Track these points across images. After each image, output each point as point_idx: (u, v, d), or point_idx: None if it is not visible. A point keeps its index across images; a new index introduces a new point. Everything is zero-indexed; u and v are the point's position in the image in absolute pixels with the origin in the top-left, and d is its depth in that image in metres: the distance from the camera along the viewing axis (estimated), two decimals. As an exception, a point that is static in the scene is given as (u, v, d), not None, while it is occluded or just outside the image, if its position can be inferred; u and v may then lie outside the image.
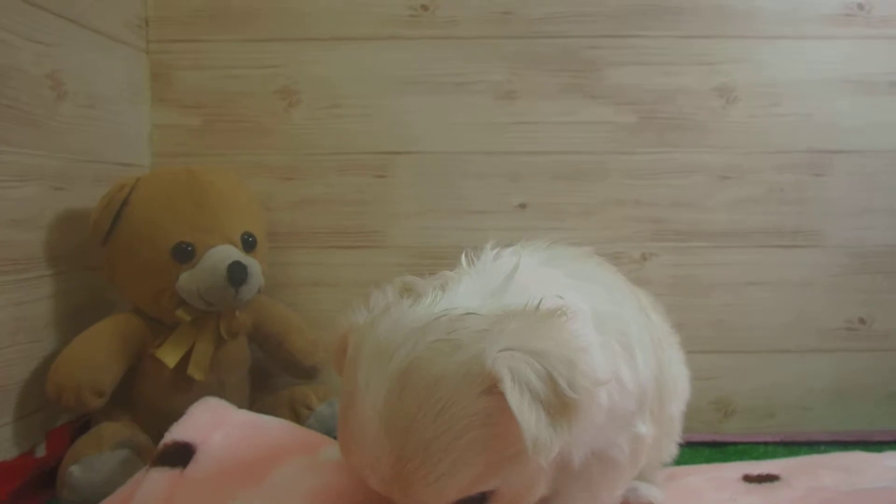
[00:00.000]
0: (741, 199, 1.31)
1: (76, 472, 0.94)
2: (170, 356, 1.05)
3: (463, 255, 0.69)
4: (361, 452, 0.56)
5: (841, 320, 1.32)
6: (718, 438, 1.29)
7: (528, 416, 0.52)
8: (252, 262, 1.08)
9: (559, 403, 0.53)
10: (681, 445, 1.24)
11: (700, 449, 1.24)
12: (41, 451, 1.04)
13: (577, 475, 0.69)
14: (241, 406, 0.99)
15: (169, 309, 1.05)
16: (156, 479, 0.79)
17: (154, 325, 1.08)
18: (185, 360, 1.07)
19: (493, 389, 0.54)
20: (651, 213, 1.31)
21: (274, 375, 1.26)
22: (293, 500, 0.76)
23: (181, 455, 0.82)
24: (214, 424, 0.88)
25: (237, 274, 1.03)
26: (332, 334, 0.66)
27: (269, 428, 0.91)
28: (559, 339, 0.57)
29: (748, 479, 0.99)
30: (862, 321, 1.32)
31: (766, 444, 1.26)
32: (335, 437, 1.08)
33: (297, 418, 1.15)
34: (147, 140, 1.31)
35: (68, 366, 1.00)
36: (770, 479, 0.96)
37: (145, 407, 1.08)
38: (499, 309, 0.59)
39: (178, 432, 0.86)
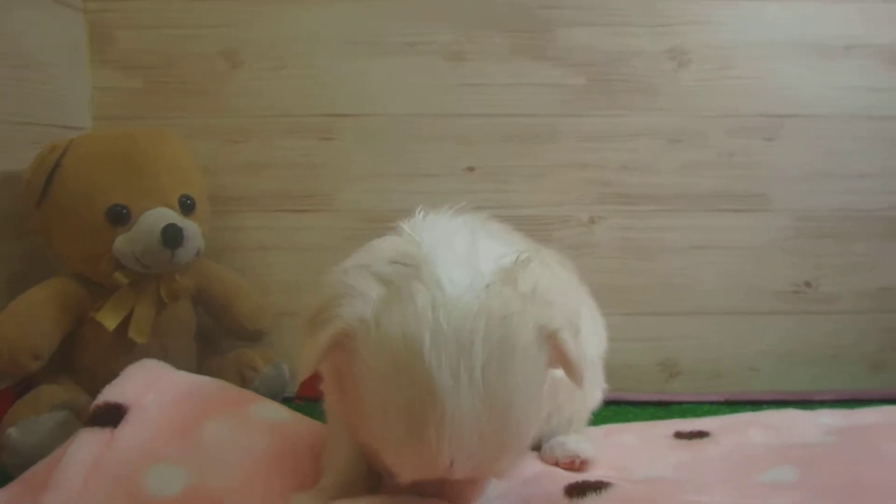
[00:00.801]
0: (691, 162, 1.30)
1: (13, 434, 0.94)
2: (109, 319, 1.05)
3: (405, 224, 0.69)
4: (452, 446, 0.54)
5: (788, 283, 1.33)
6: (664, 398, 1.31)
7: (582, 366, 0.61)
8: (189, 225, 1.07)
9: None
10: (626, 404, 1.28)
11: (645, 408, 1.27)
12: (-17, 417, 1.04)
13: None
14: (189, 369, 0.99)
15: (107, 272, 1.05)
16: (85, 440, 0.79)
17: (94, 288, 1.07)
18: (125, 324, 1.07)
19: (551, 347, 0.60)
20: (600, 176, 1.30)
21: (221, 340, 1.26)
22: (223, 461, 0.77)
23: (112, 416, 0.81)
24: (148, 386, 0.88)
25: (172, 236, 1.02)
26: (318, 335, 0.59)
27: (203, 388, 0.91)
28: (563, 290, 0.67)
29: (679, 435, 1.01)
30: (808, 284, 1.33)
31: (710, 403, 1.28)
32: (279, 399, 1.10)
33: (243, 381, 1.15)
34: (88, 103, 1.28)
35: (3, 329, 0.99)
36: (700, 435, 0.98)
37: (87, 371, 1.07)
38: (495, 274, 0.61)
39: (111, 393, 0.86)
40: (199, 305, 1.20)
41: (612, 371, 1.37)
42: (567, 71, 1.28)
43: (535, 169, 1.30)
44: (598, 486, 0.72)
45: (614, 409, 1.23)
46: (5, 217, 1.08)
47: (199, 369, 1.14)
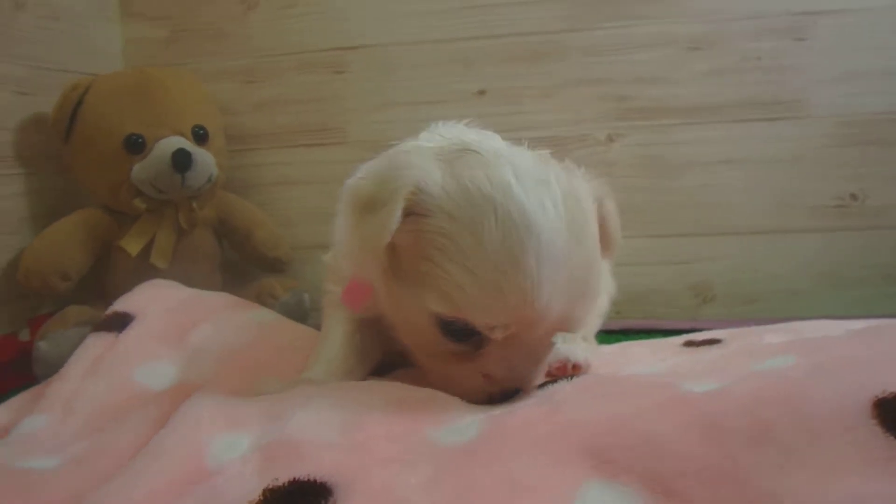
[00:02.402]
0: (713, 70, 1.23)
1: (42, 346, 1.02)
2: (132, 245, 1.12)
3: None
4: (548, 272, 0.56)
5: (830, 197, 1.23)
6: (696, 325, 1.24)
7: (619, 235, 0.68)
8: (200, 152, 1.12)
9: None
10: (655, 332, 1.22)
11: (678, 335, 1.21)
12: (25, 336, 1.13)
13: None
14: None
15: (127, 200, 1.12)
16: (91, 342, 0.85)
17: (119, 217, 1.15)
18: (148, 250, 1.14)
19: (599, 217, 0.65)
20: (615, 90, 1.25)
21: (247, 271, 1.31)
22: (207, 357, 0.80)
23: (118, 322, 0.87)
24: (155, 298, 0.94)
25: (181, 160, 1.08)
26: (389, 202, 0.58)
27: (204, 298, 0.96)
28: None
29: (689, 343, 0.95)
30: (854, 197, 1.23)
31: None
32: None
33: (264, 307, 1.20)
34: (120, 53, 1.36)
35: (36, 253, 1.08)
36: (710, 342, 0.92)
37: (114, 295, 1.13)
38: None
39: (121, 304, 0.92)
40: (222, 236, 1.26)
41: (639, 297, 1.33)
42: (575, -17, 1.24)
43: (546, 88, 1.26)
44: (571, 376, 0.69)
45: (644, 337, 1.18)
46: (41, 155, 1.17)
47: (228, 297, 1.20)
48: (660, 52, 1.23)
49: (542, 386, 0.64)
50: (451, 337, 0.61)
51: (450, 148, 0.62)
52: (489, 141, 0.65)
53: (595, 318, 0.95)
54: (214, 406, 0.60)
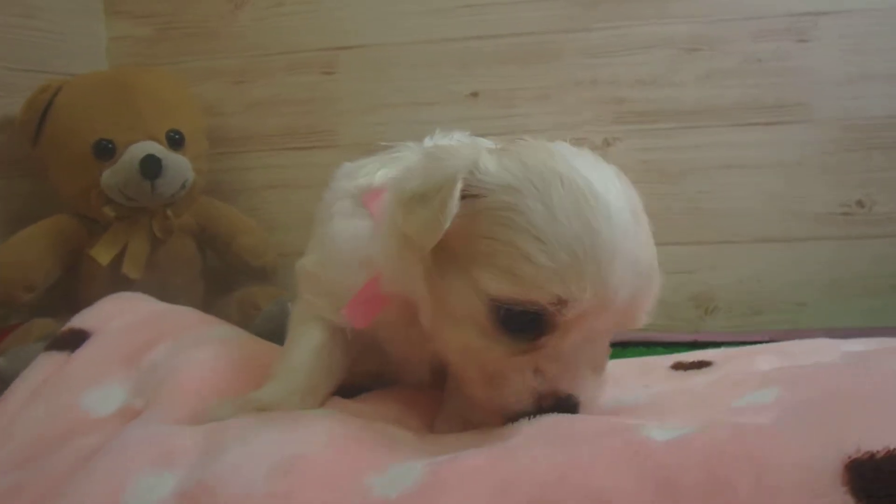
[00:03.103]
0: (713, 72, 1.19)
1: (2, 362, 0.97)
2: (102, 254, 1.08)
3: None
4: (621, 253, 0.53)
5: (836, 204, 1.19)
6: (699, 338, 1.19)
7: None
8: (173, 158, 1.08)
9: None
10: (656, 345, 1.17)
11: (678, 349, 1.15)
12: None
13: None
14: (196, 308, 0.98)
15: (97, 207, 1.08)
16: (39, 364, 0.78)
17: (90, 225, 1.11)
18: (121, 260, 1.09)
19: None
20: (613, 93, 1.22)
21: (231, 280, 1.26)
22: (159, 378, 0.74)
23: (73, 340, 0.81)
24: (115, 314, 0.88)
25: (150, 167, 1.04)
26: (444, 188, 0.56)
27: (168, 314, 0.90)
28: None
29: (678, 366, 0.90)
30: (860, 204, 1.19)
31: (752, 343, 1.15)
32: (281, 335, 1.08)
33: (246, 318, 1.14)
34: (104, 53, 1.32)
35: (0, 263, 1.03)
36: (700, 365, 0.87)
37: (85, 307, 1.10)
38: None
39: (79, 320, 0.85)
40: (203, 244, 1.21)
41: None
42: (570, -18, 1.21)
43: (541, 90, 1.23)
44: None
45: (643, 351, 1.13)
46: (11, 159, 1.13)
47: (207, 308, 1.14)
48: (658, 54, 1.20)
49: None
50: (507, 327, 0.55)
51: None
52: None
53: None
54: (146, 438, 0.55)
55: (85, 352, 0.77)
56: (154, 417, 0.61)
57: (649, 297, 0.57)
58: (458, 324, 0.58)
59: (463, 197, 0.55)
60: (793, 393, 0.59)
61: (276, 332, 1.11)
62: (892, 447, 0.41)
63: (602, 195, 0.54)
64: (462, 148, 0.60)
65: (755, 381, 0.67)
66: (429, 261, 0.58)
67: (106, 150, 1.06)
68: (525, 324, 0.54)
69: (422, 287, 0.60)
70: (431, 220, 0.55)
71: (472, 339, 0.57)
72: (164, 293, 1.04)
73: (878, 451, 0.41)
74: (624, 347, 1.15)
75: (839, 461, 0.41)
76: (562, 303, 0.53)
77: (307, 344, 0.68)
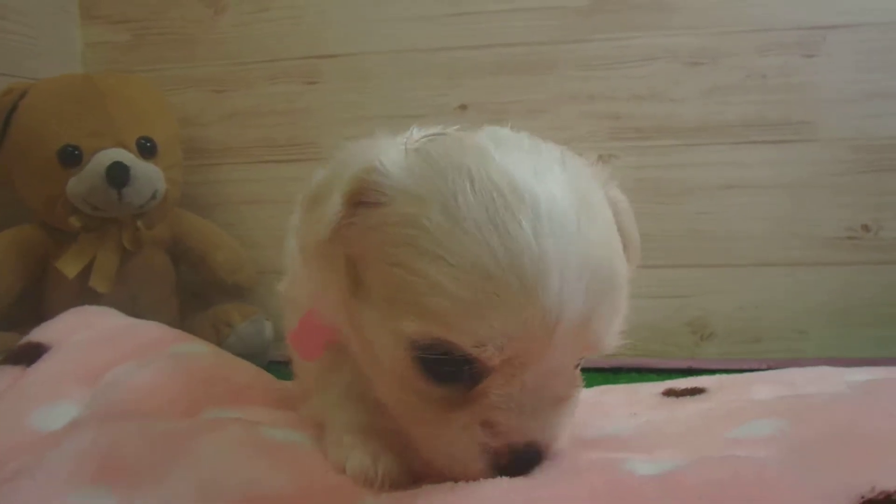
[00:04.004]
0: (716, 87, 1.13)
1: (-41, 378, 0.92)
2: (69, 266, 1.03)
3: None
4: (550, 261, 0.42)
5: (841, 228, 1.13)
6: (694, 364, 1.14)
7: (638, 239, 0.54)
8: (142, 166, 1.03)
9: None
10: (649, 371, 1.12)
11: (672, 376, 1.10)
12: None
13: None
14: (170, 324, 0.94)
15: (63, 216, 1.03)
16: None
17: (58, 236, 1.06)
18: (89, 273, 1.04)
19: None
20: (610, 108, 1.16)
21: (207, 296, 1.21)
22: (118, 394, 0.70)
23: (29, 355, 0.77)
24: (77, 327, 0.84)
25: (117, 175, 0.99)
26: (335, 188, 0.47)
27: (135, 332, 0.85)
28: None
29: (669, 393, 0.84)
30: (866, 228, 1.13)
31: (749, 371, 1.10)
32: (256, 356, 1.03)
33: (218, 336, 1.10)
34: (79, 58, 1.27)
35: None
36: (693, 392, 0.81)
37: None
38: None
39: (38, 333, 0.82)
40: (177, 258, 1.16)
41: (632, 332, 1.21)
42: (567, -9, 1.15)
43: (534, 104, 1.17)
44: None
45: (635, 378, 1.07)
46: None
47: (181, 325, 1.09)
48: (657, 67, 1.14)
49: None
50: (433, 376, 0.45)
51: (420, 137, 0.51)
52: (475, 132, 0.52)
53: None
54: (88, 450, 0.50)
55: (41, 366, 0.73)
56: (102, 431, 0.56)
57: (613, 312, 0.45)
58: (386, 373, 0.47)
59: (362, 203, 0.46)
60: (797, 427, 0.54)
61: (250, 352, 1.07)
62: None
63: (528, 191, 0.43)
64: (379, 144, 0.50)
65: (753, 411, 0.62)
66: (346, 291, 0.49)
67: (72, 157, 1.01)
68: (454, 372, 0.44)
69: (341, 317, 0.51)
70: (311, 228, 0.47)
71: (402, 392, 0.47)
72: (135, 308, 1.00)
73: (894, 491, 0.37)
74: (615, 374, 1.10)
75: (851, 502, 0.37)
76: (481, 344, 0.42)
77: (335, 384, 0.58)
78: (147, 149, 1.05)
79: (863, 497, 0.37)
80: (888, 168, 1.11)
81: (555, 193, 0.43)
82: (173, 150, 1.11)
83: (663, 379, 1.04)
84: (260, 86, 1.23)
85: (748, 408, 0.66)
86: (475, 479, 0.45)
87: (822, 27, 1.10)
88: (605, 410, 0.80)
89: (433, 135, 0.51)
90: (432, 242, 0.43)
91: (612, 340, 0.46)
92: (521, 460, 0.45)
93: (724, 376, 0.88)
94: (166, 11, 1.25)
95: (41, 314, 1.06)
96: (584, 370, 0.85)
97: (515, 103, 1.17)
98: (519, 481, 0.45)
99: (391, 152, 0.47)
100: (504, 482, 0.44)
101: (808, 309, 1.15)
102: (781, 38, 1.11)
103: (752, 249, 1.16)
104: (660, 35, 1.13)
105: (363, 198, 0.46)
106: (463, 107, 1.19)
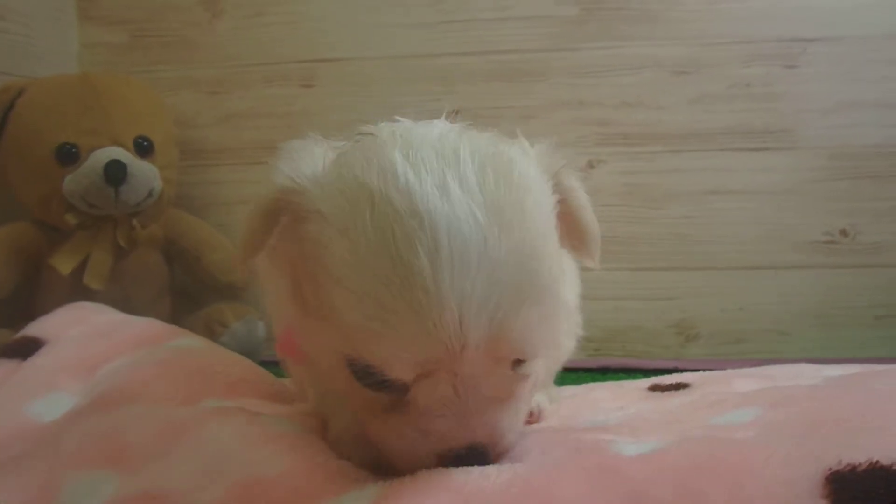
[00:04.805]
0: (701, 96, 1.17)
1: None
2: (63, 264, 1.03)
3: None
4: (457, 280, 0.41)
5: (819, 232, 1.17)
6: (679, 365, 1.16)
7: (596, 227, 0.51)
8: (139, 165, 1.04)
9: None
10: (635, 371, 1.15)
11: (659, 376, 1.13)
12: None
13: None
14: None
15: (58, 214, 1.04)
16: None
17: (52, 234, 1.07)
18: (83, 271, 1.05)
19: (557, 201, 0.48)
20: (598, 114, 1.19)
21: (200, 296, 1.22)
22: (116, 383, 0.71)
23: (25, 348, 0.77)
24: (73, 323, 0.84)
25: (114, 172, 1.00)
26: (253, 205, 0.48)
27: (134, 326, 0.86)
28: None
29: (655, 388, 0.87)
30: (844, 233, 1.17)
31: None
32: (249, 356, 1.04)
33: (212, 335, 1.11)
34: (75, 59, 1.28)
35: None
36: (677, 387, 0.84)
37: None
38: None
39: (33, 328, 0.82)
40: (171, 258, 1.18)
41: (618, 333, 1.26)
42: (557, 1, 1.18)
43: (525, 109, 1.20)
44: None
45: (622, 377, 1.10)
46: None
47: (175, 324, 1.10)
48: (645, 76, 1.18)
49: None
50: (366, 384, 0.45)
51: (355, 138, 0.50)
52: (408, 124, 0.51)
53: (554, 364, 0.84)
54: (90, 434, 0.51)
55: (37, 360, 0.74)
56: (103, 412, 0.57)
57: (533, 322, 0.43)
58: (328, 371, 0.48)
59: (285, 216, 0.46)
60: (773, 412, 0.57)
61: (243, 352, 1.08)
62: (874, 459, 0.39)
63: (428, 215, 0.41)
64: (306, 151, 0.49)
65: (733, 401, 0.65)
66: (290, 300, 0.50)
67: (69, 155, 1.02)
68: (381, 382, 0.44)
69: (296, 326, 0.51)
70: (239, 246, 0.48)
71: (347, 390, 0.47)
72: (129, 307, 1.00)
73: (860, 464, 0.39)
74: (603, 373, 1.13)
75: (819, 473, 0.39)
76: (389, 364, 0.42)
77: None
78: (144, 148, 1.07)
79: (830, 469, 0.39)
80: (865, 175, 1.16)
81: (458, 214, 0.41)
82: (169, 150, 1.13)
83: (651, 378, 1.08)
84: (256, 88, 1.25)
85: (730, 399, 0.69)
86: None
87: (803, 40, 1.14)
88: (592, 405, 0.83)
89: (358, 138, 0.50)
90: (335, 266, 0.43)
91: (539, 348, 0.45)
92: (466, 461, 0.45)
93: (706, 373, 0.92)
94: (163, 14, 1.26)
95: (32, 312, 1.06)
96: (571, 369, 0.88)
97: (508, 109, 1.20)
98: (516, 467, 0.47)
99: (312, 164, 0.47)
100: (505, 469, 0.46)
101: (790, 311, 1.19)
102: (764, 50, 1.15)
103: (735, 253, 1.19)
104: (648, 45, 1.17)
105: (283, 214, 0.47)
106: (455, 112, 1.21)
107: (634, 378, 1.09)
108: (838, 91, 1.14)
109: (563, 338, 0.77)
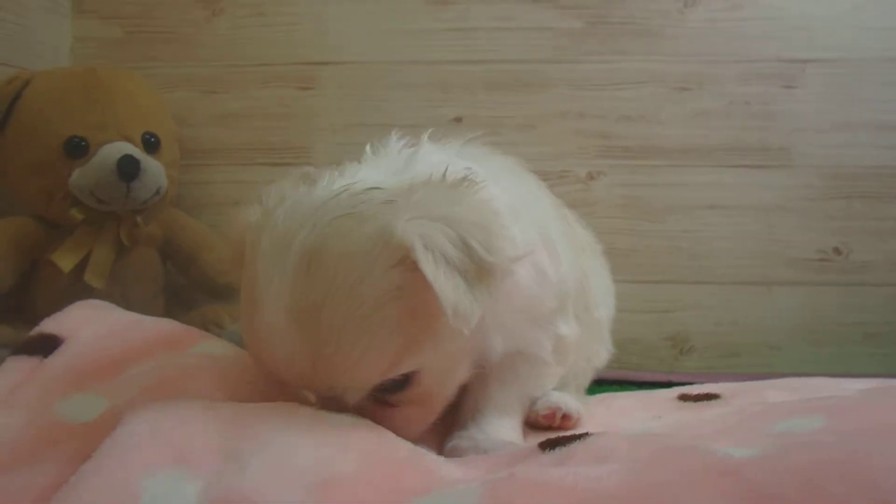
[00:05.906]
0: (700, 112, 1.18)
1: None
2: (65, 260, 1.00)
3: (368, 146, 0.66)
4: (273, 351, 0.53)
5: (813, 250, 1.19)
6: (673, 378, 1.17)
7: (444, 282, 0.50)
8: (150, 161, 1.02)
9: (476, 268, 0.52)
10: (629, 384, 1.14)
11: (652, 389, 1.13)
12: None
13: (500, 369, 0.65)
14: None
15: (62, 209, 1.00)
16: (9, 367, 0.73)
17: (51, 229, 1.03)
18: (83, 268, 1.02)
19: (405, 261, 0.51)
20: (599, 127, 1.19)
21: (193, 296, 1.20)
22: (141, 382, 0.69)
23: (44, 346, 0.75)
24: (89, 320, 0.82)
25: (128, 168, 0.97)
26: (227, 237, 0.62)
27: (148, 326, 0.84)
28: (470, 205, 0.55)
29: (684, 398, 0.87)
30: (837, 251, 1.19)
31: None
32: None
33: (207, 337, 1.08)
34: (68, 52, 1.25)
35: (-50, 267, 0.95)
36: (708, 397, 0.85)
37: (43, 314, 1.01)
38: (403, 183, 0.56)
39: (49, 325, 0.80)
40: (167, 257, 1.15)
41: (615, 345, 1.25)
42: (560, 13, 1.18)
43: (527, 119, 1.20)
44: (570, 440, 0.60)
45: (616, 389, 1.10)
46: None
47: (172, 325, 1.08)
48: (646, 91, 1.18)
49: (550, 446, 0.56)
50: None
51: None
52: (379, 160, 0.64)
53: (589, 370, 0.88)
54: (153, 432, 0.49)
55: (60, 357, 0.73)
56: (155, 408, 0.54)
57: (356, 361, 0.52)
58: None
59: None
60: (838, 421, 0.56)
61: (236, 353, 1.06)
62: None
63: (259, 286, 0.53)
64: (278, 193, 0.60)
65: (787, 409, 0.64)
66: None
67: (78, 148, 0.99)
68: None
69: None
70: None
71: None
72: (125, 306, 0.97)
73: None
74: (598, 385, 1.13)
75: None
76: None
77: None
78: (151, 144, 1.04)
79: None
80: (858, 195, 1.18)
81: (280, 291, 0.52)
82: (173, 148, 1.11)
83: (645, 390, 1.07)
84: (253, 89, 1.23)
85: (775, 408, 0.68)
86: None
87: (801, 60, 1.16)
88: (621, 413, 0.83)
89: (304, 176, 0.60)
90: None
91: (355, 377, 0.53)
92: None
93: (733, 384, 0.92)
94: (160, 10, 1.24)
95: (30, 308, 1.04)
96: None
97: (508, 118, 1.20)
98: (608, 458, 0.47)
99: (253, 213, 0.59)
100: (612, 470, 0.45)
101: (783, 326, 1.20)
102: (764, 69, 1.17)
103: (730, 268, 1.20)
104: (649, 60, 1.18)
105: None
106: (457, 119, 1.21)
107: (628, 390, 1.09)
108: (834, 112, 1.16)
109: (600, 349, 0.87)
